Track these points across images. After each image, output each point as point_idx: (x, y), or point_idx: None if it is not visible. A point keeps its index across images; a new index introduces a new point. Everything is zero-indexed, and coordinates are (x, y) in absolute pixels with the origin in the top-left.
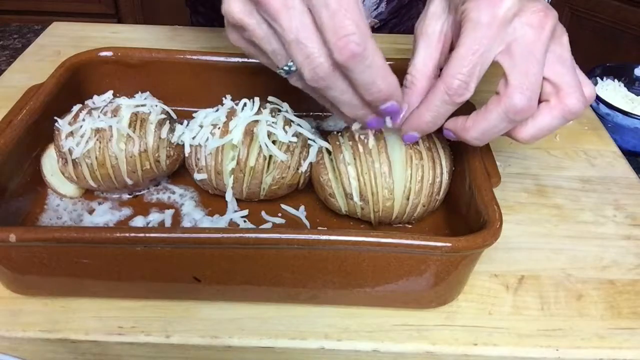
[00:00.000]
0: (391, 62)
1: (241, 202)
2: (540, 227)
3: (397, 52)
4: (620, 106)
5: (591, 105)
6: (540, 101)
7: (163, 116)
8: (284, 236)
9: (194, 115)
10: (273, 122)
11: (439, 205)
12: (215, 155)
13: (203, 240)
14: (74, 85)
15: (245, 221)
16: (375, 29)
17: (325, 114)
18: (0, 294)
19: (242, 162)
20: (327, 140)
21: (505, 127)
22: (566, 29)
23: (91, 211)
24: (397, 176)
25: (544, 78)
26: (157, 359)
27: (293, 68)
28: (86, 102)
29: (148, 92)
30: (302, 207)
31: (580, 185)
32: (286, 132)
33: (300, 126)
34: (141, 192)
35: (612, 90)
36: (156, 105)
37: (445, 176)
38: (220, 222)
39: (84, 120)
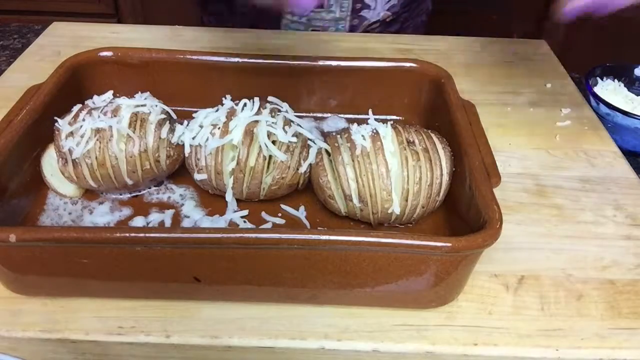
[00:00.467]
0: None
1: (241, 202)
2: (540, 227)
3: (398, 52)
4: (620, 106)
5: (591, 106)
6: None
7: (163, 116)
8: (284, 236)
9: (194, 115)
10: (273, 122)
11: (439, 205)
12: (215, 156)
13: (203, 240)
14: (74, 85)
15: (245, 221)
16: (387, 22)
17: (324, 114)
18: (0, 294)
19: (242, 163)
20: (326, 142)
21: None
22: (566, 28)
23: (91, 211)
24: (394, 177)
25: None
26: (157, 359)
27: None
28: (86, 102)
29: (148, 92)
30: (302, 208)
31: (580, 185)
32: (286, 132)
33: (300, 126)
34: (141, 192)
35: (612, 91)
36: (156, 105)
37: (446, 177)
38: (220, 222)
39: (84, 120)
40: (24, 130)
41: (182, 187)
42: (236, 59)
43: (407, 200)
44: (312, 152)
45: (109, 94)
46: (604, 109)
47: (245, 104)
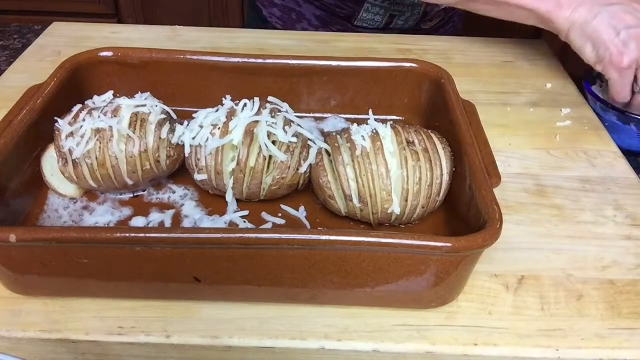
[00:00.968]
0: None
1: (241, 202)
2: (540, 227)
3: (398, 52)
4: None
5: (589, 105)
6: None
7: (163, 116)
8: (284, 236)
9: (194, 115)
10: (273, 123)
11: (439, 205)
12: (215, 156)
13: (203, 240)
14: (74, 85)
15: (245, 221)
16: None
17: (324, 114)
18: (0, 294)
19: (242, 163)
20: (326, 142)
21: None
22: None
23: (91, 211)
24: (394, 177)
25: None
26: (157, 359)
27: None
28: (86, 102)
29: (148, 92)
30: (302, 208)
31: (580, 185)
32: (286, 132)
33: (300, 126)
34: (141, 192)
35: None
36: (156, 106)
37: (446, 177)
38: (220, 222)
39: (84, 120)
40: (24, 130)
41: (182, 187)
42: (236, 59)
43: (407, 200)
44: (312, 152)
45: (109, 94)
46: (602, 108)
47: (245, 104)
